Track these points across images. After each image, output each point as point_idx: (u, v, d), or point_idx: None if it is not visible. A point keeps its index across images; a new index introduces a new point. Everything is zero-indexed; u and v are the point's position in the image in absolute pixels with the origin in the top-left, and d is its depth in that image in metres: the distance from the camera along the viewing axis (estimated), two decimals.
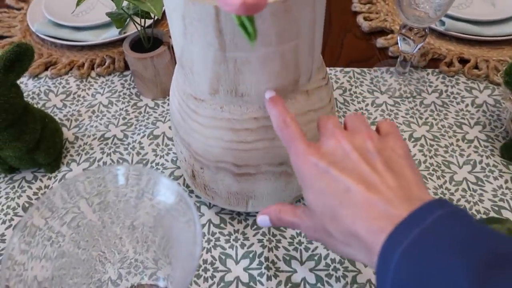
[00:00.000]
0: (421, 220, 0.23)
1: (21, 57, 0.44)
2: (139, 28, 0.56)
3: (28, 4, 0.78)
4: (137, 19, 0.57)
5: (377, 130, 0.32)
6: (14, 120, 0.45)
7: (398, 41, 0.56)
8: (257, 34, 0.22)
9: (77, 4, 0.54)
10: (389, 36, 0.67)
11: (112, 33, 0.67)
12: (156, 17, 0.53)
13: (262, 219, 0.34)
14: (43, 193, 0.49)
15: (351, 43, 0.68)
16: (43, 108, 0.59)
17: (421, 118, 0.56)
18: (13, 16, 0.76)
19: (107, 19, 0.67)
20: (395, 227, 0.24)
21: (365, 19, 0.71)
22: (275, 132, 0.33)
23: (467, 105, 0.57)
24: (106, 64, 0.64)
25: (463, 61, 0.63)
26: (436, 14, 0.51)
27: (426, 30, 0.54)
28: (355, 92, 0.59)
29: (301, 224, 0.31)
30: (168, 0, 0.32)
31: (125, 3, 0.55)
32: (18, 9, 0.78)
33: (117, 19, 0.55)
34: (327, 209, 0.28)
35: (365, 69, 0.63)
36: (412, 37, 0.53)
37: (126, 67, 0.64)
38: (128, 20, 0.59)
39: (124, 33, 0.67)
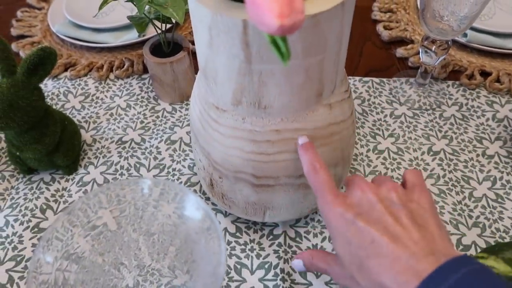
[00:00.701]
0: (445, 279, 0.24)
1: (45, 61, 0.44)
2: (159, 33, 0.56)
3: (49, 4, 0.79)
4: (158, 23, 0.57)
5: (404, 181, 0.33)
6: (35, 123, 0.46)
7: (420, 53, 0.55)
8: (290, 54, 0.21)
9: (100, 8, 0.54)
10: (409, 46, 0.66)
11: (132, 36, 0.67)
12: (176, 22, 0.53)
13: (297, 264, 0.36)
14: (60, 195, 0.49)
15: (370, 52, 0.67)
16: (61, 109, 0.60)
17: (440, 131, 0.55)
18: (34, 16, 0.76)
19: (127, 21, 0.67)
20: (420, 282, 0.24)
21: (385, 28, 0.70)
22: (306, 177, 0.34)
23: (487, 119, 0.56)
24: (125, 67, 0.64)
25: (485, 74, 0.62)
26: (460, 27, 0.50)
27: (449, 43, 0.53)
28: (373, 103, 0.59)
29: (331, 272, 0.33)
30: (195, 11, 0.32)
31: (146, 7, 0.55)
32: (39, 9, 0.78)
33: (139, 23, 0.55)
34: (354, 259, 0.29)
35: (384, 79, 0.62)
36: (434, 49, 0.53)
37: (145, 70, 0.65)
38: (148, 24, 0.59)
39: (144, 36, 0.67)
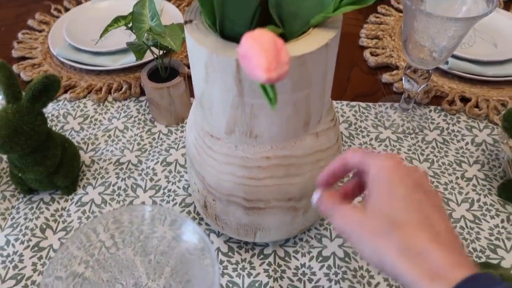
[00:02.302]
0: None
1: (49, 88, 0.47)
2: (157, 59, 0.59)
3: (49, 27, 0.81)
4: (155, 49, 0.60)
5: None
6: (37, 146, 0.48)
7: (403, 80, 0.59)
8: (277, 98, 0.24)
9: (101, 36, 0.57)
10: (394, 72, 0.70)
11: (130, 59, 0.70)
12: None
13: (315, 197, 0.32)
14: (60, 215, 0.51)
15: (357, 77, 0.71)
16: (61, 131, 0.62)
17: (422, 154, 0.58)
18: (34, 38, 0.79)
19: (125, 45, 0.70)
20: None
21: (371, 54, 0.74)
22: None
23: (467, 143, 0.59)
24: (123, 89, 0.67)
25: (465, 99, 0.65)
26: (440, 58, 0.53)
27: (430, 72, 0.56)
28: (360, 126, 0.62)
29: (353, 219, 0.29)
30: (193, 49, 0.35)
31: (144, 35, 0.58)
32: (40, 31, 0.81)
33: (137, 50, 0.58)
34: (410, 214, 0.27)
35: (370, 104, 0.65)
36: (416, 78, 0.56)
37: (142, 93, 0.67)
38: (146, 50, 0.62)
39: (141, 59, 0.70)
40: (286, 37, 0.36)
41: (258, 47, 0.22)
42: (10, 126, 0.45)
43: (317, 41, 0.33)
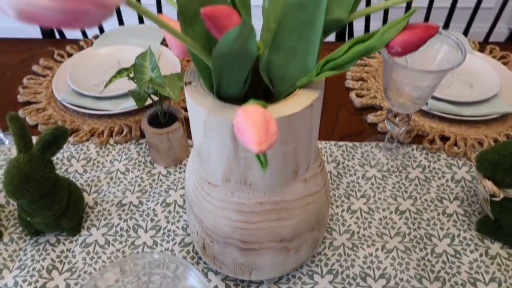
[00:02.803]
0: None
1: (58, 138, 0.50)
2: (157, 106, 0.63)
3: (53, 72, 0.86)
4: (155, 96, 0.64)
5: None
6: (46, 192, 0.51)
7: (386, 123, 0.63)
8: (267, 163, 0.28)
9: (105, 86, 0.61)
10: (379, 112, 0.75)
11: (130, 104, 0.74)
12: None
13: None
14: (65, 256, 0.54)
15: (344, 118, 0.75)
16: (65, 173, 0.65)
17: (406, 192, 0.62)
18: (39, 83, 0.83)
19: (126, 90, 0.75)
20: None
21: (357, 95, 0.79)
22: None
23: (447, 180, 0.64)
24: (124, 133, 0.71)
25: (444, 138, 0.70)
26: (419, 103, 0.58)
27: (410, 115, 0.61)
28: (347, 165, 0.66)
29: None
30: (192, 108, 0.39)
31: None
32: (44, 76, 0.85)
33: (138, 98, 0.62)
34: None
35: (356, 143, 0.70)
36: (396, 122, 0.61)
37: (142, 135, 0.71)
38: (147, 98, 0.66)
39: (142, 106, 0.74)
40: (275, 96, 0.41)
41: (250, 122, 0.26)
42: (22, 174, 0.48)
43: (302, 101, 0.37)
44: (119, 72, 0.61)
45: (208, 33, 0.35)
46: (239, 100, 0.40)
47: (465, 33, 1.12)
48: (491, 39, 1.11)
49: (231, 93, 0.38)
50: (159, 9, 1.16)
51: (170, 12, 1.62)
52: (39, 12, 0.20)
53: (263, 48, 0.39)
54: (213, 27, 0.30)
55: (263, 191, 0.42)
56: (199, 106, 0.37)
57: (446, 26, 1.14)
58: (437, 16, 1.37)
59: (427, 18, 1.15)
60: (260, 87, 0.43)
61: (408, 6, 1.13)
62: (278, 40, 0.37)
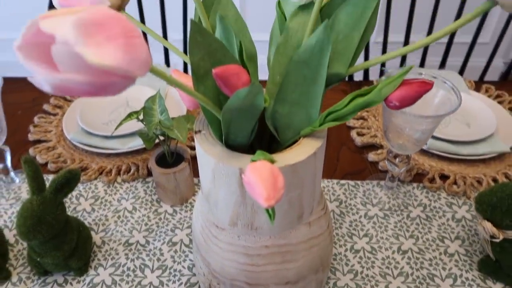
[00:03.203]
0: None
1: (70, 181, 0.52)
2: (164, 146, 0.65)
3: (63, 110, 0.89)
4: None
5: None
6: (56, 233, 0.53)
7: (386, 163, 0.65)
8: (275, 215, 0.30)
9: (116, 128, 0.64)
10: (379, 151, 0.77)
11: (138, 142, 0.77)
12: None
13: None
14: None
15: (346, 156, 0.77)
16: (74, 212, 0.67)
17: (408, 231, 0.63)
18: (49, 122, 0.86)
19: (134, 129, 0.77)
20: None
21: (358, 134, 0.81)
22: None
23: (448, 220, 0.65)
24: (131, 171, 0.73)
25: (444, 176, 0.72)
26: (418, 144, 0.60)
27: (410, 155, 0.63)
28: (350, 204, 0.68)
29: None
30: (202, 157, 0.41)
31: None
32: (54, 115, 0.88)
33: (147, 139, 0.65)
34: None
35: (358, 182, 0.71)
36: (396, 163, 0.63)
37: (149, 173, 0.73)
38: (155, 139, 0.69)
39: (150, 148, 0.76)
40: (280, 143, 0.43)
41: (259, 178, 0.28)
42: (35, 216, 0.50)
43: (306, 150, 0.39)
44: (130, 115, 0.63)
45: (218, 88, 0.37)
46: (246, 147, 0.42)
47: (463, 66, 1.16)
48: (488, 73, 1.14)
49: (239, 141, 0.40)
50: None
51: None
52: (72, 86, 0.23)
53: (269, 99, 0.41)
54: (223, 86, 0.33)
55: (268, 234, 0.43)
56: (208, 154, 0.39)
57: (443, 60, 1.17)
58: (435, 50, 1.42)
59: (425, 53, 1.19)
60: (266, 134, 0.45)
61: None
62: (283, 93, 0.40)
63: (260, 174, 0.28)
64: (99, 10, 0.23)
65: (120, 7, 0.41)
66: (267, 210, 0.29)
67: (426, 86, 0.36)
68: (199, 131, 0.42)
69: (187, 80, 0.38)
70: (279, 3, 0.41)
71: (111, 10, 0.24)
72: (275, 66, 0.41)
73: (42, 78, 0.22)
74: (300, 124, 0.41)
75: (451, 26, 0.32)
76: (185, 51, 1.15)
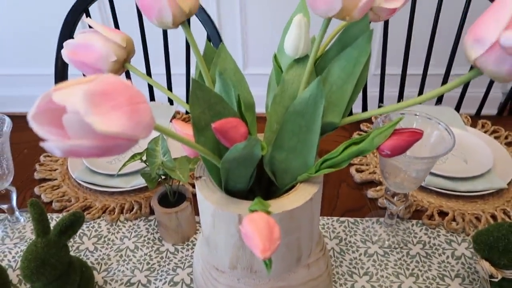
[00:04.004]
0: None
1: (74, 223, 0.54)
2: (166, 186, 0.67)
3: None
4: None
5: None
6: (60, 274, 0.53)
7: (385, 201, 0.66)
8: (272, 265, 0.31)
9: (120, 169, 0.66)
10: (378, 187, 0.78)
11: (140, 181, 0.78)
12: None
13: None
14: None
15: (345, 193, 0.78)
16: (76, 251, 0.68)
17: (408, 269, 0.63)
18: (54, 160, 0.88)
19: (137, 168, 0.79)
20: None
21: (357, 170, 0.82)
22: None
23: (447, 257, 0.65)
24: (134, 210, 0.74)
25: (443, 213, 0.72)
26: (414, 183, 0.61)
27: (407, 193, 0.64)
28: (350, 242, 0.68)
29: None
30: (202, 203, 0.43)
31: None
32: None
33: (150, 179, 0.66)
34: None
35: (358, 219, 0.72)
36: (394, 201, 0.64)
37: (151, 212, 0.74)
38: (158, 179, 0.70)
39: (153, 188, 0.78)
40: (278, 188, 0.44)
41: (256, 230, 0.29)
42: (39, 259, 0.51)
43: (303, 196, 0.41)
44: (133, 156, 0.65)
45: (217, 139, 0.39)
46: (245, 191, 0.44)
47: (461, 97, 1.17)
48: (486, 104, 1.15)
49: (238, 187, 0.42)
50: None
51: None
52: (80, 150, 0.24)
53: (267, 146, 0.43)
54: (223, 139, 0.35)
55: (268, 277, 0.44)
56: (208, 201, 0.41)
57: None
58: (432, 82, 1.44)
59: (422, 84, 1.21)
60: (264, 178, 0.46)
61: (403, 79, 1.20)
62: (280, 140, 0.42)
63: (256, 226, 0.29)
64: (107, 79, 0.25)
65: (125, 60, 0.44)
66: (264, 261, 0.30)
67: (416, 136, 0.38)
68: (200, 177, 0.44)
69: (187, 129, 0.40)
70: (275, 57, 0.44)
71: (118, 78, 0.26)
72: (272, 115, 0.43)
73: (53, 145, 0.24)
74: (297, 170, 0.42)
75: (441, 89, 0.34)
76: (187, 89, 1.18)
